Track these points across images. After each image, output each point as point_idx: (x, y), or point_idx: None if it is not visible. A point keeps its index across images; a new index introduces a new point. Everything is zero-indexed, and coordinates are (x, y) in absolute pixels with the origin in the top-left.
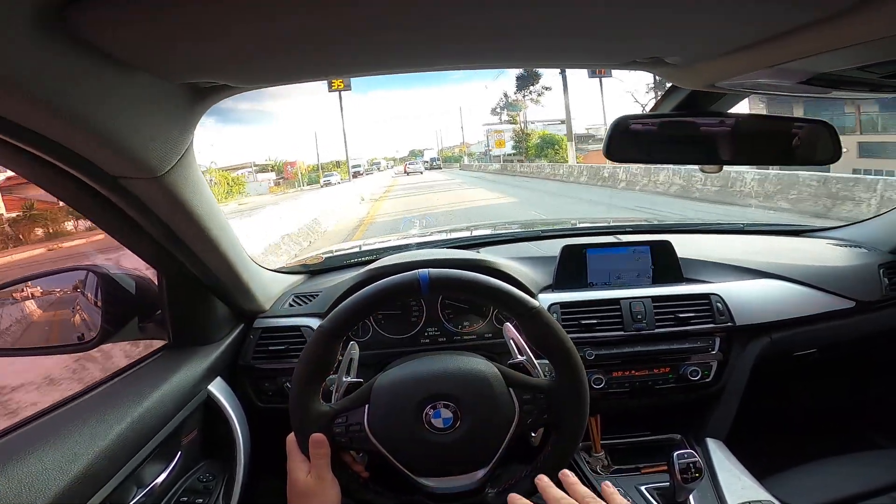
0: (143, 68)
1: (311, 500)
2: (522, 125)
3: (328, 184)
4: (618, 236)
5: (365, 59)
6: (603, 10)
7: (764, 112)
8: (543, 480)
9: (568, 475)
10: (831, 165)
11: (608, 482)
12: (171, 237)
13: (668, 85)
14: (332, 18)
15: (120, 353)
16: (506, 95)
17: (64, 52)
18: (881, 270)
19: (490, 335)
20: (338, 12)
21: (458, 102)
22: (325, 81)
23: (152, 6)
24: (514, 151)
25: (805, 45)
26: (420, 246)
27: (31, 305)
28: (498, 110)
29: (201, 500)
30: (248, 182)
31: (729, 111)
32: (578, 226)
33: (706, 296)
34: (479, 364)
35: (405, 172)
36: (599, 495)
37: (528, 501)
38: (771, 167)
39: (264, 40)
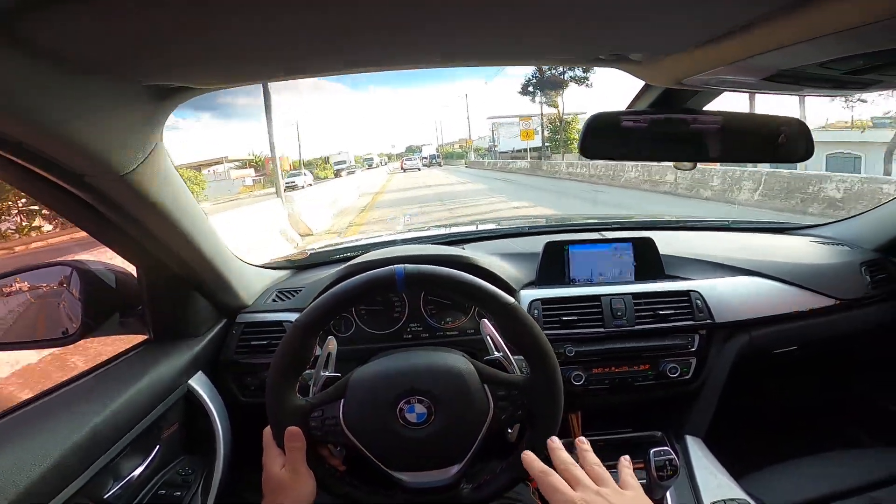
0: (100, 72)
1: (285, 493)
2: (561, 111)
3: (293, 187)
4: (602, 233)
5: (326, 59)
6: (562, 8)
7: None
8: (529, 456)
9: (553, 440)
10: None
11: (582, 437)
12: (146, 234)
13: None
14: (292, 20)
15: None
16: (540, 72)
17: (16, 58)
18: (863, 268)
19: (472, 331)
20: (299, 14)
21: (458, 97)
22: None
23: (106, 12)
24: (547, 145)
25: (764, 40)
26: (406, 242)
27: (13, 300)
28: (531, 89)
29: (179, 493)
30: (212, 181)
31: (703, 108)
32: (563, 223)
33: (686, 293)
34: (454, 360)
35: (402, 169)
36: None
37: (539, 461)
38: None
39: (223, 42)
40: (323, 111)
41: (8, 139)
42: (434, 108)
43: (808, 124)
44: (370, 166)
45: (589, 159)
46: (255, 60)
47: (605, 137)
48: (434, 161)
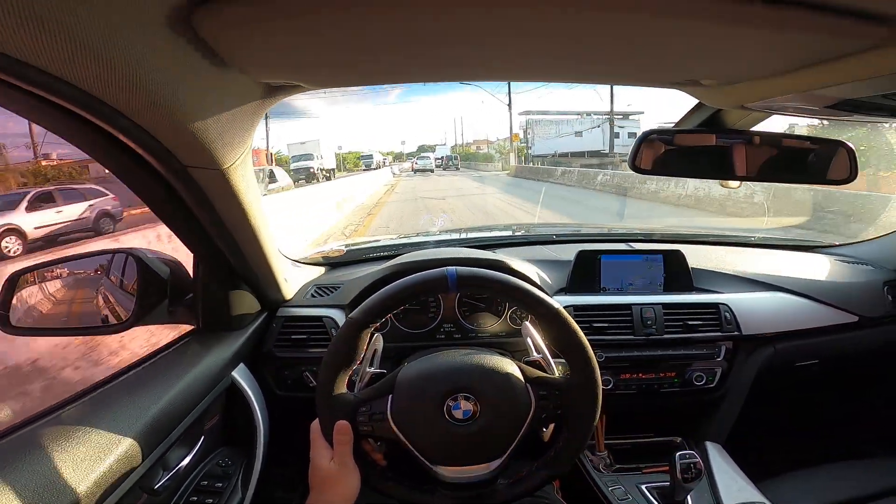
0: (237, 67)
1: (333, 486)
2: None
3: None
4: (630, 244)
5: (427, 68)
6: (650, 39)
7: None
8: None
9: None
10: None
11: None
12: (219, 226)
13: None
14: (408, 31)
15: None
16: None
17: (180, 50)
18: (885, 288)
19: (503, 333)
20: (411, 26)
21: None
22: None
23: (264, 13)
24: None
25: (834, 75)
26: (438, 244)
27: (67, 286)
28: None
29: (220, 485)
30: None
31: (751, 129)
32: (592, 232)
33: (715, 305)
34: (500, 360)
35: (412, 171)
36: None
37: None
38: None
39: (336, 48)
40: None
41: (133, 122)
42: (450, 107)
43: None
44: (368, 167)
45: (640, 174)
46: (361, 65)
47: (657, 154)
48: (451, 163)
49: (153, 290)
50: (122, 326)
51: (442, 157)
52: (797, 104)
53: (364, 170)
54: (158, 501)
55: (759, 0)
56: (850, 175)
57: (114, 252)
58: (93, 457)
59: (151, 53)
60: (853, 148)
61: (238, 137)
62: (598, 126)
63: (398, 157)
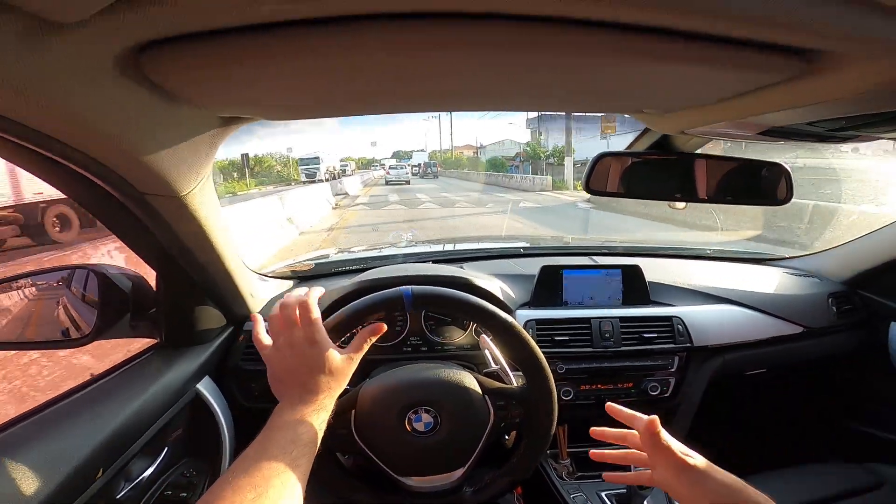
0: (189, 103)
1: (344, 375)
2: None
3: None
4: (593, 258)
5: (383, 102)
6: (593, 75)
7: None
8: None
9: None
10: None
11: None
12: (181, 247)
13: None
14: (362, 69)
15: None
16: None
17: (130, 89)
18: (830, 300)
19: (469, 346)
20: (365, 64)
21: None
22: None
23: (211, 53)
24: None
25: (760, 105)
26: (407, 258)
27: (29, 301)
28: None
29: (185, 495)
30: None
31: (698, 151)
32: (558, 246)
33: (668, 318)
34: (457, 373)
35: (385, 182)
36: (563, 501)
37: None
38: None
39: (302, 86)
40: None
41: (85, 154)
42: (421, 118)
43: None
44: (311, 178)
45: (592, 195)
46: (317, 100)
47: (609, 176)
48: (429, 170)
49: (115, 305)
50: (83, 341)
51: (419, 165)
52: (732, 130)
53: (306, 182)
54: None
55: (685, 38)
56: (788, 195)
57: (75, 267)
58: (49, 469)
59: (99, 95)
60: (789, 169)
61: (196, 166)
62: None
63: (366, 165)
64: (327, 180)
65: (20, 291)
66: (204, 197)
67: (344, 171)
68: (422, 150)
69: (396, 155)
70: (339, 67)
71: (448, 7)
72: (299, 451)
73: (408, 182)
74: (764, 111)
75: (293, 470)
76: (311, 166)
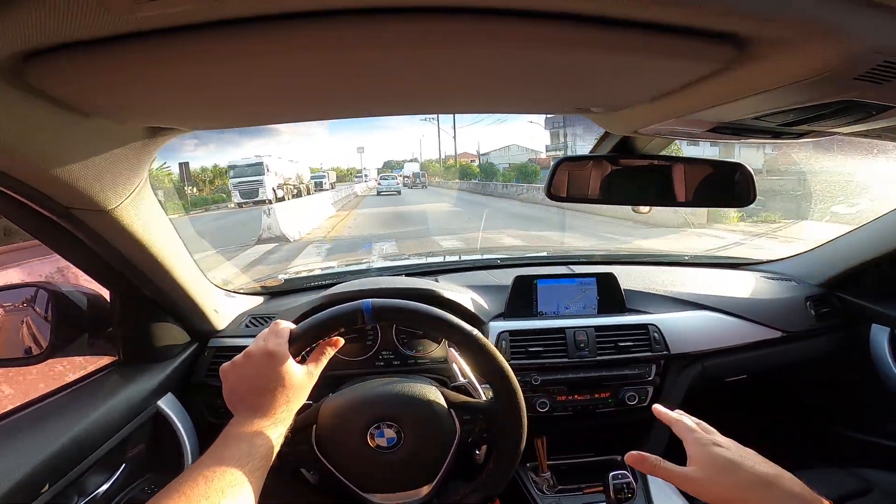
0: (98, 114)
1: (303, 392)
2: None
3: None
4: (570, 267)
5: (309, 107)
6: (530, 71)
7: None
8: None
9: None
10: None
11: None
12: (125, 263)
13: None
14: (279, 70)
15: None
16: None
17: (19, 100)
18: (808, 303)
19: (442, 359)
20: (285, 65)
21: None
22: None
23: (104, 63)
24: None
25: (703, 98)
26: (380, 272)
27: None
28: None
29: None
30: None
31: (659, 153)
32: (533, 256)
33: (644, 326)
34: (421, 387)
35: (376, 192)
36: None
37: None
38: None
39: (213, 90)
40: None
41: (1, 172)
42: (414, 125)
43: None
44: (247, 197)
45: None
46: (244, 107)
47: (570, 181)
48: (418, 181)
49: (70, 323)
50: (36, 359)
51: (411, 175)
52: (684, 128)
53: (240, 205)
54: None
55: (619, 27)
56: (750, 196)
57: (27, 286)
58: None
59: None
60: (750, 170)
61: (122, 178)
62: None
63: (342, 178)
64: (280, 200)
65: None
66: (139, 210)
67: (320, 184)
68: (414, 160)
69: (388, 165)
70: (244, 72)
71: (353, 4)
72: (254, 463)
73: (398, 192)
74: (707, 105)
75: (247, 483)
76: (247, 180)
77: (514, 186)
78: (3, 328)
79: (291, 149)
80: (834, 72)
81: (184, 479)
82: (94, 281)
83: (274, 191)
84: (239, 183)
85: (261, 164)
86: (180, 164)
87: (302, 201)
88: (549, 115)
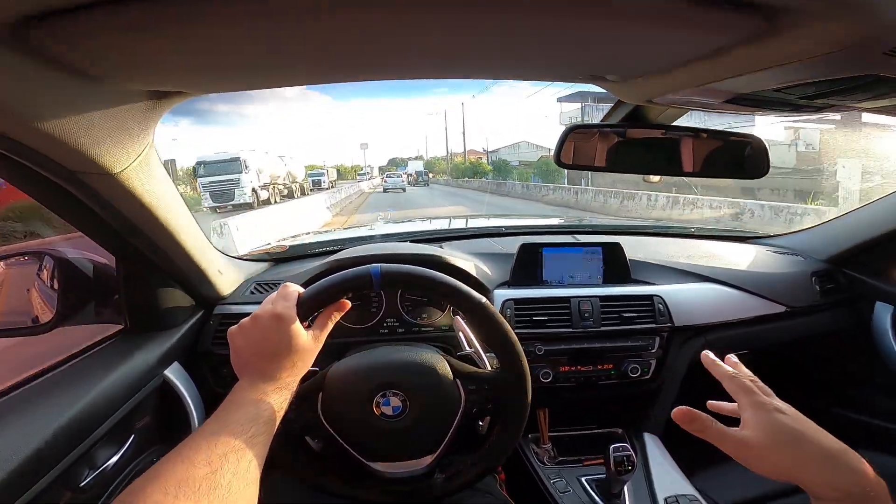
0: (102, 78)
1: (310, 356)
2: None
3: None
4: (575, 236)
5: (318, 69)
6: (544, 34)
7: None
8: (708, 357)
9: (708, 354)
10: None
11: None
12: (131, 228)
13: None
14: (285, 30)
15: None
16: None
17: (24, 64)
18: (813, 278)
19: (447, 327)
20: (291, 24)
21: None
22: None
23: (108, 24)
24: None
25: (724, 68)
26: (385, 238)
27: None
28: None
29: None
30: None
31: (672, 123)
32: (539, 224)
33: (649, 297)
34: (427, 355)
35: (382, 189)
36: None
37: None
38: None
39: (219, 51)
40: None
41: (5, 136)
42: (420, 121)
43: (765, 142)
44: (220, 201)
45: (563, 169)
46: (250, 68)
47: (579, 149)
48: (420, 179)
49: (77, 291)
50: (44, 328)
51: (414, 173)
52: (700, 98)
53: (214, 208)
54: (86, 499)
55: None
56: (763, 169)
57: (34, 252)
58: (1, 458)
59: None
60: (764, 143)
61: (128, 142)
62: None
63: (346, 174)
64: (264, 203)
65: None
66: (146, 174)
67: (318, 183)
68: (419, 158)
69: (393, 162)
70: (253, 31)
71: None
72: (258, 428)
73: (404, 189)
74: (727, 76)
75: (250, 448)
76: (219, 180)
77: (537, 186)
78: (6, 297)
79: (294, 145)
80: (863, 46)
81: (187, 444)
82: (100, 248)
83: (255, 192)
84: (210, 183)
85: (237, 159)
86: (165, 162)
87: (288, 207)
88: (564, 111)
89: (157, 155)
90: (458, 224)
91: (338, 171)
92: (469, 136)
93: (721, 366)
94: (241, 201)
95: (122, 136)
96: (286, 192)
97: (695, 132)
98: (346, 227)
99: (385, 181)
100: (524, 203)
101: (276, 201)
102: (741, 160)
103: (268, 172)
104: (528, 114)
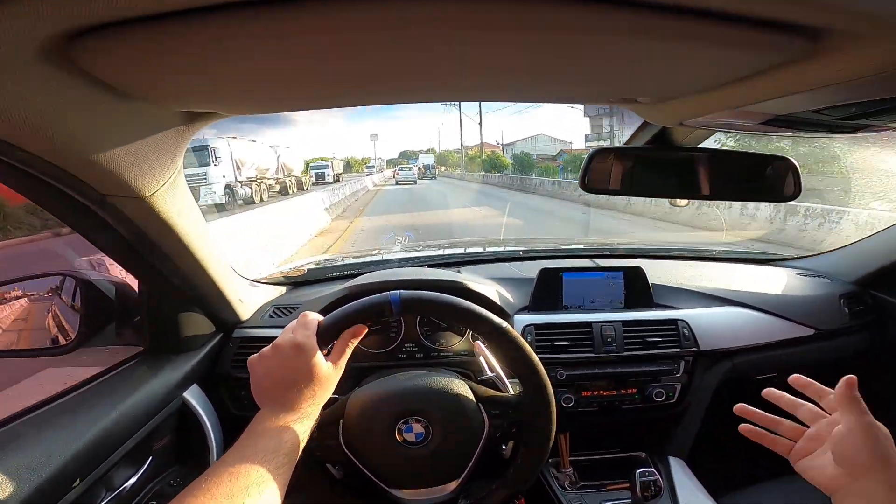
0: (139, 98)
1: (329, 384)
2: None
3: None
4: (594, 260)
5: (354, 93)
6: (582, 59)
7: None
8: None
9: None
10: None
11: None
12: (157, 253)
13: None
14: (328, 57)
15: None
16: None
17: (64, 82)
18: (842, 300)
19: (466, 352)
20: (329, 52)
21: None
22: None
23: (151, 42)
24: None
25: (762, 90)
26: (403, 262)
27: (8, 309)
28: None
29: None
30: None
31: (699, 146)
32: (557, 248)
33: (674, 321)
34: (449, 381)
35: (394, 181)
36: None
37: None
38: None
39: (257, 75)
40: None
41: (39, 157)
42: (433, 112)
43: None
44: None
45: (588, 193)
46: (285, 92)
47: (606, 173)
48: (428, 172)
49: (98, 312)
50: (65, 350)
51: (423, 167)
52: (733, 120)
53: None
54: None
55: (679, 14)
56: (795, 191)
57: (57, 274)
58: (20, 480)
59: (29, 90)
60: (797, 164)
61: (158, 165)
62: None
63: (350, 167)
64: (248, 203)
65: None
66: (174, 198)
67: (322, 176)
68: (430, 151)
69: (403, 155)
70: (297, 53)
71: None
72: (280, 460)
73: (415, 182)
74: (767, 97)
75: (272, 480)
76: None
77: (571, 184)
78: (28, 318)
79: (304, 138)
80: None
81: (209, 476)
82: (120, 269)
83: (230, 190)
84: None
85: (204, 148)
86: None
87: (271, 210)
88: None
89: (184, 178)
90: (476, 249)
91: (348, 163)
92: (483, 129)
93: (814, 384)
94: (210, 202)
95: (155, 158)
96: (278, 188)
97: (724, 154)
98: (349, 236)
99: (397, 174)
100: (558, 204)
101: (262, 199)
102: (772, 181)
103: (252, 165)
104: (545, 106)
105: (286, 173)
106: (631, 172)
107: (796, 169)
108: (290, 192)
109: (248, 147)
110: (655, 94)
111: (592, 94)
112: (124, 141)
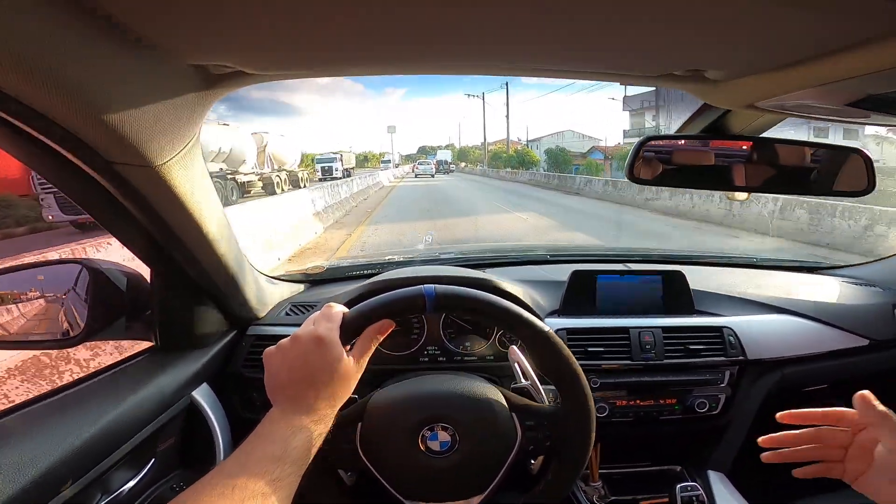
0: (154, 44)
1: (351, 381)
2: None
3: None
4: (627, 265)
5: (390, 59)
6: (641, 18)
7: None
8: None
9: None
10: None
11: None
12: (167, 233)
13: (700, 104)
14: (366, 16)
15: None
16: None
17: (71, 18)
18: (895, 310)
19: (492, 357)
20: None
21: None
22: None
23: None
24: None
25: (858, 64)
26: (425, 263)
27: (18, 297)
28: None
29: None
30: None
31: (761, 136)
32: (588, 252)
33: (719, 329)
34: (482, 387)
35: (413, 174)
36: None
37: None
38: None
39: (286, 25)
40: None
41: (38, 112)
42: (453, 105)
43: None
44: (67, 209)
45: (638, 185)
46: (316, 49)
47: (655, 163)
48: (442, 167)
49: (109, 304)
50: (70, 342)
51: (439, 162)
52: (814, 101)
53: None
54: None
55: None
56: (868, 185)
57: (67, 262)
58: (4, 478)
59: (44, 34)
60: (869, 155)
61: (174, 131)
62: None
63: (363, 162)
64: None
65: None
66: (187, 170)
67: (329, 171)
68: (449, 147)
69: (422, 150)
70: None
71: None
72: (284, 469)
73: (432, 176)
74: (861, 73)
75: (275, 492)
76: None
77: (630, 185)
78: (40, 308)
79: (321, 130)
80: None
81: (208, 483)
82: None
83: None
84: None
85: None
86: None
87: (240, 213)
88: (629, 93)
89: (201, 150)
90: (502, 251)
91: (364, 157)
92: (500, 125)
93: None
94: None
95: (170, 122)
96: (261, 185)
97: (791, 144)
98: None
99: (416, 168)
100: (616, 210)
101: (235, 200)
102: (845, 174)
103: (220, 157)
104: (573, 98)
105: (277, 166)
106: (684, 163)
107: (870, 160)
108: (279, 190)
109: (222, 132)
110: (728, 67)
111: (649, 66)
112: (133, 98)
